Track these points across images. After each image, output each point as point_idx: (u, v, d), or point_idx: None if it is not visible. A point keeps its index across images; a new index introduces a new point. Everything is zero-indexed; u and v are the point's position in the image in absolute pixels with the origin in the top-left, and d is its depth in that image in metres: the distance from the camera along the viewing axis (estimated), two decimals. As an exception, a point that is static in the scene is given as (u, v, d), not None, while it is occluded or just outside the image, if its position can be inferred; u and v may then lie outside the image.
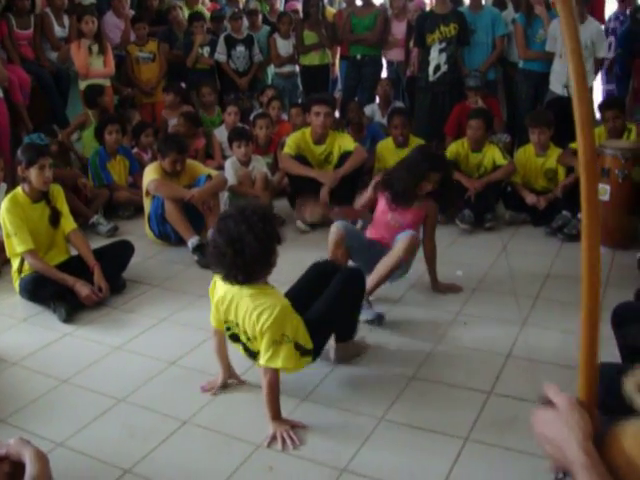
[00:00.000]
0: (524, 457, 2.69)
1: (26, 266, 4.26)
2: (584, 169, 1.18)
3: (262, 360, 2.88)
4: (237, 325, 2.98)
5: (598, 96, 6.97)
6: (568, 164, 5.49)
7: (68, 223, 4.46)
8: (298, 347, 3.00)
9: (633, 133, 5.54)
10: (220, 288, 3.01)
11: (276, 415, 2.93)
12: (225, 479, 2.64)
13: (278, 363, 2.86)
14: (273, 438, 2.87)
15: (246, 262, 2.77)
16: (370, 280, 3.86)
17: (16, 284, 4.32)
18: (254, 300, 2.86)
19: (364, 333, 3.75)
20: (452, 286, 4.38)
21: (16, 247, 4.19)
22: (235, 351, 3.24)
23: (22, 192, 4.28)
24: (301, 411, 3.09)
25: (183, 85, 7.93)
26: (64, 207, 4.47)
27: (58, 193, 4.47)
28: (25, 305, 4.29)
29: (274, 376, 2.90)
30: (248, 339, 2.98)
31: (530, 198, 5.60)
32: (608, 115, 5.60)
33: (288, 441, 2.84)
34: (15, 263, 4.30)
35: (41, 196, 4.33)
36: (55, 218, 4.39)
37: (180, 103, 7.43)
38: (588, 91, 1.16)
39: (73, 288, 4.16)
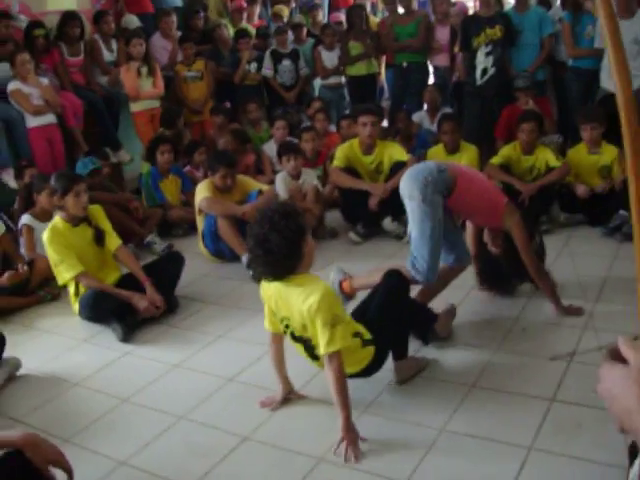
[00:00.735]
0: (590, 465, 2.63)
1: (82, 289, 4.33)
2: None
3: (322, 349, 2.86)
4: (290, 319, 3.00)
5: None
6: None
7: (113, 241, 4.51)
8: (357, 335, 3.05)
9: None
10: (268, 288, 3.04)
11: (347, 414, 2.88)
12: (287, 494, 2.63)
13: (337, 344, 2.83)
14: (341, 445, 2.85)
15: (277, 259, 2.83)
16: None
17: (75, 306, 4.40)
18: (298, 287, 2.90)
19: (417, 346, 3.72)
20: (573, 309, 4.01)
21: (64, 275, 4.27)
22: (295, 364, 3.25)
23: (61, 219, 4.36)
24: (361, 424, 3.05)
25: (228, 104, 8.00)
26: (106, 225, 4.53)
27: (98, 212, 4.53)
28: (84, 326, 4.37)
29: (339, 364, 2.86)
30: (303, 331, 2.99)
31: (581, 190, 5.50)
32: None
33: (351, 454, 2.82)
34: (71, 288, 4.39)
35: (81, 219, 4.40)
36: (99, 237, 4.45)
37: (228, 123, 7.48)
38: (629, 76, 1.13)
39: (130, 301, 4.21)
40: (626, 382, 1.08)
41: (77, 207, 4.31)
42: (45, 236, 4.32)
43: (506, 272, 4.16)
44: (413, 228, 3.66)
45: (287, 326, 3.06)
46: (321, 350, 2.87)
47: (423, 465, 2.74)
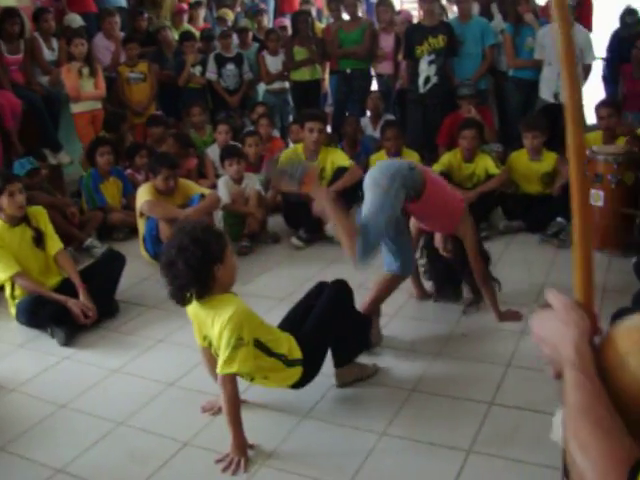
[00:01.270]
0: (527, 467, 2.69)
1: (18, 291, 4.25)
2: (574, 165, 1.18)
3: (218, 368, 2.84)
4: (212, 338, 2.96)
5: (590, 101, 6.99)
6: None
7: (54, 244, 4.44)
8: (279, 356, 3.00)
9: (622, 138, 5.57)
10: (189, 306, 3.01)
11: (237, 432, 2.86)
12: (227, 500, 2.62)
13: (234, 367, 2.81)
14: (224, 459, 2.83)
15: (182, 285, 2.82)
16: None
17: (12, 309, 4.30)
18: (210, 310, 2.88)
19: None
20: (511, 314, 4.09)
21: (2, 273, 4.18)
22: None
23: None
24: (301, 429, 3.07)
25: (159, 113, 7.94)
26: (48, 228, 4.45)
27: (40, 214, 4.45)
28: (21, 330, 4.27)
29: (232, 386, 2.84)
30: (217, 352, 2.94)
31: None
32: (603, 113, 5.64)
33: (234, 470, 2.80)
34: (7, 289, 4.29)
35: (20, 219, 4.32)
36: (39, 239, 4.36)
37: (166, 132, 7.37)
38: (580, 95, 1.17)
39: (65, 305, 4.14)
40: (551, 321, 1.17)
41: (12, 207, 4.22)
42: None
43: (456, 277, 4.22)
44: (366, 212, 3.54)
45: (210, 344, 3.03)
46: (217, 369, 2.85)
47: (363, 470, 2.76)
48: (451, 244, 4.04)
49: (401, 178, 3.55)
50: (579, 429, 1.04)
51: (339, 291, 3.35)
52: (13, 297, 4.27)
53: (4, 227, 4.26)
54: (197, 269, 2.77)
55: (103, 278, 4.46)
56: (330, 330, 3.25)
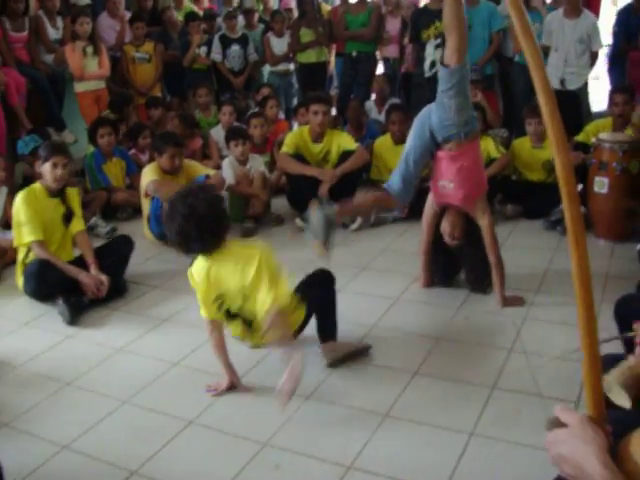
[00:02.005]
0: (530, 450, 2.70)
1: (31, 258, 4.29)
2: (564, 184, 1.19)
3: (269, 302, 2.91)
4: (228, 295, 3.08)
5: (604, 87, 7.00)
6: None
7: (79, 224, 4.53)
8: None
9: (629, 128, 5.56)
10: (199, 271, 3.11)
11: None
12: (231, 478, 2.64)
13: (284, 297, 2.96)
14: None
15: (211, 226, 2.94)
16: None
17: (20, 280, 4.35)
18: (235, 258, 3.02)
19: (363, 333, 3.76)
20: (514, 299, 4.11)
21: (25, 236, 4.24)
22: (237, 351, 3.25)
23: (40, 186, 4.37)
24: (305, 409, 3.09)
25: (159, 95, 7.90)
26: (78, 209, 4.56)
27: (73, 196, 4.55)
28: (27, 308, 4.29)
29: (285, 318, 2.98)
30: (244, 301, 3.07)
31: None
32: (618, 99, 5.62)
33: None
34: (21, 254, 4.33)
35: (57, 193, 4.40)
36: (68, 217, 4.45)
37: (166, 115, 7.37)
38: (556, 106, 1.16)
39: (77, 278, 4.21)
40: (569, 440, 1.15)
41: (50, 177, 4.31)
42: (20, 195, 4.31)
43: (453, 270, 4.26)
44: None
45: (221, 306, 3.12)
46: (267, 304, 2.92)
47: (366, 450, 2.78)
48: (460, 231, 4.04)
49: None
50: None
51: (323, 284, 3.52)
52: (24, 264, 4.31)
53: (43, 194, 4.36)
54: (217, 205, 2.99)
55: (113, 259, 4.52)
56: (313, 299, 3.40)
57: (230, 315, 3.19)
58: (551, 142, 1.17)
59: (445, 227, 4.09)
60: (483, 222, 3.94)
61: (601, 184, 5.02)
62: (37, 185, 4.39)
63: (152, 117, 7.34)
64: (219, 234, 3.01)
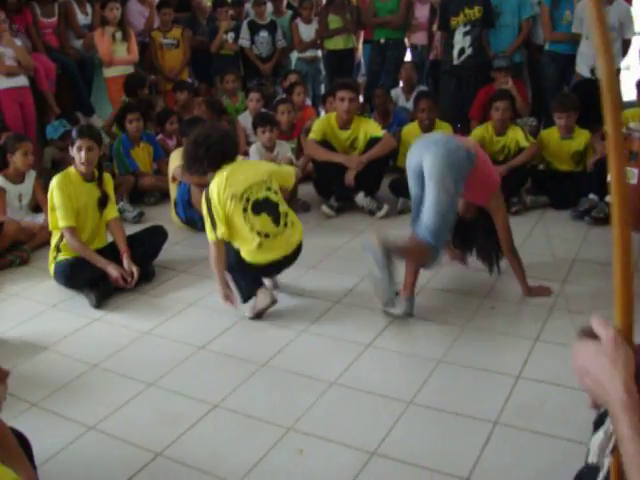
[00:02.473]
0: (553, 441, 2.69)
1: (64, 245, 4.32)
2: (613, 148, 1.15)
3: (292, 178, 4.17)
4: (252, 188, 3.75)
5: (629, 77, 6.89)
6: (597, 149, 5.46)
7: (112, 210, 4.54)
8: None
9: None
10: (217, 186, 3.73)
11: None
12: (255, 462, 2.65)
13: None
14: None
15: (233, 137, 3.96)
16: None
17: (51, 267, 4.38)
18: (246, 163, 4.19)
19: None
20: (541, 289, 4.07)
21: (59, 221, 4.28)
22: (261, 340, 3.27)
23: (74, 170, 4.38)
24: (331, 394, 3.10)
25: (189, 80, 7.90)
26: (112, 195, 4.57)
27: (108, 180, 4.57)
28: (55, 291, 4.34)
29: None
30: (267, 191, 3.81)
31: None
32: None
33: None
34: (55, 239, 4.38)
35: (91, 177, 4.42)
36: (103, 201, 4.46)
37: (193, 99, 7.39)
38: (615, 74, 1.13)
39: (105, 270, 4.22)
40: (597, 356, 1.12)
41: (76, 160, 4.34)
42: (54, 180, 4.34)
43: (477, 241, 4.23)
44: (432, 214, 3.61)
45: (248, 199, 3.73)
46: (292, 179, 4.22)
47: (390, 437, 2.78)
48: (472, 213, 4.02)
49: (463, 174, 3.63)
50: None
51: None
52: (57, 249, 4.35)
53: (77, 179, 4.38)
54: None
55: (144, 248, 4.55)
56: None
57: (257, 207, 3.74)
58: (609, 141, 1.13)
59: (459, 207, 4.05)
60: (497, 218, 3.90)
61: (631, 174, 4.96)
62: (72, 170, 4.40)
63: (178, 101, 7.37)
64: (229, 155, 3.80)
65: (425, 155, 3.65)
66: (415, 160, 3.71)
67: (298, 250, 4.01)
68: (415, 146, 3.83)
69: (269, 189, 3.83)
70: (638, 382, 1.09)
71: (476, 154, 3.75)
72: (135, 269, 4.28)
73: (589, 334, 1.16)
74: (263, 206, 3.78)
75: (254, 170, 3.87)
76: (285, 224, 3.87)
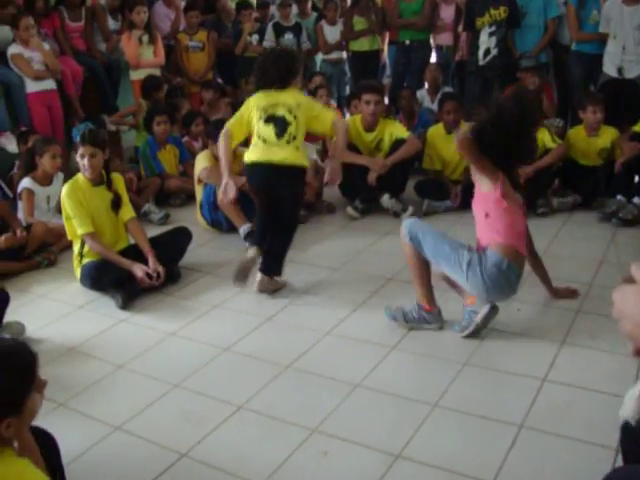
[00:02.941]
0: (579, 445, 2.67)
1: (87, 250, 4.34)
2: None
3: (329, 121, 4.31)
4: (278, 106, 4.18)
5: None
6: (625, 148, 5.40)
7: (127, 211, 4.54)
8: None
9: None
10: (260, 96, 4.26)
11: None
12: (280, 464, 2.65)
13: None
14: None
15: (282, 67, 4.18)
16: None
17: (77, 270, 4.41)
18: (291, 91, 4.28)
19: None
20: (567, 291, 4.02)
21: (77, 229, 4.30)
22: (288, 341, 3.27)
23: (82, 176, 4.39)
24: (355, 396, 3.10)
25: (220, 80, 7.92)
26: (124, 195, 4.57)
27: (119, 181, 4.57)
28: (81, 292, 4.38)
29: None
30: (285, 113, 4.18)
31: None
32: None
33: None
34: (76, 247, 4.40)
35: (100, 181, 4.43)
36: (116, 203, 4.47)
37: (220, 98, 7.43)
38: None
39: (130, 270, 4.24)
40: (635, 298, 1.12)
41: (80, 167, 4.36)
42: (64, 189, 4.37)
43: None
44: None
45: (266, 112, 4.20)
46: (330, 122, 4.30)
47: (415, 440, 2.77)
48: None
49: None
50: None
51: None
52: (81, 256, 4.37)
53: (86, 184, 4.39)
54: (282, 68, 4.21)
55: (169, 249, 4.56)
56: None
57: (267, 121, 4.18)
58: None
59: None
60: None
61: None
62: (80, 176, 4.41)
63: (204, 99, 7.42)
64: (286, 77, 4.20)
65: None
66: None
67: (289, 171, 4.22)
68: None
69: (290, 112, 4.18)
70: None
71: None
72: (161, 268, 4.29)
73: (629, 280, 1.15)
74: (275, 120, 4.19)
75: (292, 97, 4.23)
76: (287, 142, 4.18)
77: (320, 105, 4.64)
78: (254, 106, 4.25)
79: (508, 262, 3.40)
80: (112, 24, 7.58)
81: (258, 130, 4.24)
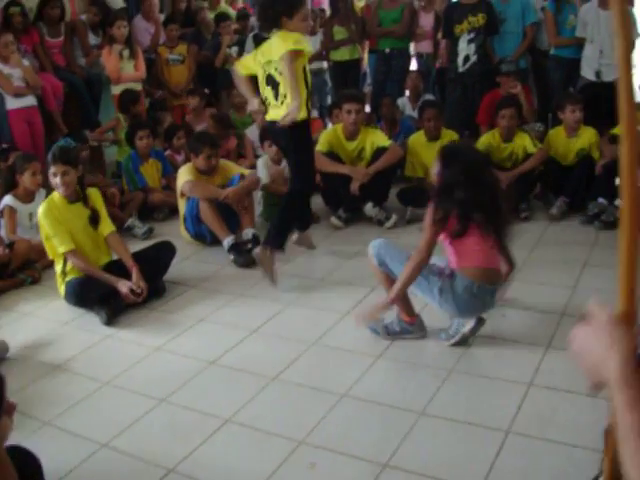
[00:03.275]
0: (566, 448, 2.68)
1: (69, 268, 4.32)
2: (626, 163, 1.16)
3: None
4: (272, 63, 4.34)
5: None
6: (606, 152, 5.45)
7: (106, 226, 4.51)
8: None
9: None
10: (255, 52, 4.64)
11: None
12: (267, 477, 2.65)
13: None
14: None
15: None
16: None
17: (61, 288, 4.39)
18: (283, 35, 4.27)
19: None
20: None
21: (57, 248, 4.27)
22: (272, 353, 3.27)
23: (58, 195, 4.37)
24: (341, 406, 3.09)
25: (206, 91, 7.94)
26: (102, 210, 4.54)
27: (96, 196, 4.54)
28: (66, 309, 4.35)
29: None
30: (274, 71, 4.37)
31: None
32: None
33: None
34: (59, 266, 4.37)
35: (76, 198, 4.41)
36: (94, 219, 4.44)
37: (205, 107, 7.45)
38: (632, 81, 1.14)
39: (115, 286, 4.22)
40: (595, 336, 1.14)
41: (55, 186, 4.34)
42: (40, 209, 4.34)
43: None
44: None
45: (265, 71, 4.43)
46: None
47: (402, 448, 2.77)
48: None
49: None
50: (637, 449, 1.03)
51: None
52: (64, 273, 4.34)
53: (62, 202, 4.36)
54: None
55: (153, 264, 4.53)
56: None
57: (267, 82, 4.44)
58: (621, 132, 1.14)
59: None
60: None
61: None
62: (55, 194, 4.38)
63: (189, 105, 7.48)
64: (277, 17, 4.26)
65: None
66: None
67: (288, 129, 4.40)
68: None
69: (276, 69, 4.37)
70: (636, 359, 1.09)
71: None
72: (143, 284, 4.26)
73: (588, 319, 1.18)
74: (272, 83, 4.44)
75: (277, 47, 4.28)
76: (282, 102, 4.39)
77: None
78: (257, 59, 4.55)
79: (478, 285, 3.41)
80: (93, 39, 7.57)
81: (263, 91, 4.55)
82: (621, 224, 1.15)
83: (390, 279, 3.56)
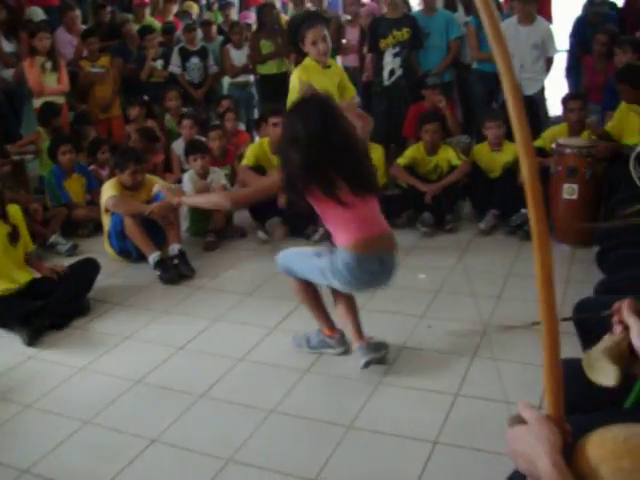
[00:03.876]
0: (494, 457, 2.69)
1: None
2: (530, 189, 1.20)
3: None
4: None
5: (559, 92, 7.10)
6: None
7: (27, 244, 4.44)
8: None
9: (587, 132, 5.62)
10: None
11: None
12: (195, 497, 2.61)
13: None
14: None
15: None
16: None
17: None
18: None
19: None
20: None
21: None
22: (199, 368, 3.23)
23: None
24: (269, 422, 3.08)
25: (146, 97, 7.85)
26: (23, 228, 4.43)
27: (16, 212, 4.43)
28: (-15, 330, 4.22)
29: None
30: None
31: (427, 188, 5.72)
32: (573, 105, 5.68)
33: None
34: None
35: None
36: (14, 236, 4.33)
37: (145, 117, 7.36)
38: (524, 110, 1.16)
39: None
40: (526, 436, 1.18)
41: None
42: None
43: None
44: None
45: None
46: None
47: (331, 462, 2.77)
48: None
49: None
50: None
51: None
52: None
53: None
54: None
55: (77, 280, 4.45)
56: None
57: None
58: (518, 145, 1.17)
59: None
60: None
61: (571, 190, 5.05)
62: None
63: (130, 115, 7.40)
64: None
65: None
66: None
67: None
68: None
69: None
70: (567, 457, 1.14)
71: None
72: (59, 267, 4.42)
73: (518, 420, 1.22)
74: None
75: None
76: None
77: None
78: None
79: (358, 255, 3.23)
80: (7, 46, 7.34)
81: None
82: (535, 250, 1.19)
83: (305, 293, 3.58)
